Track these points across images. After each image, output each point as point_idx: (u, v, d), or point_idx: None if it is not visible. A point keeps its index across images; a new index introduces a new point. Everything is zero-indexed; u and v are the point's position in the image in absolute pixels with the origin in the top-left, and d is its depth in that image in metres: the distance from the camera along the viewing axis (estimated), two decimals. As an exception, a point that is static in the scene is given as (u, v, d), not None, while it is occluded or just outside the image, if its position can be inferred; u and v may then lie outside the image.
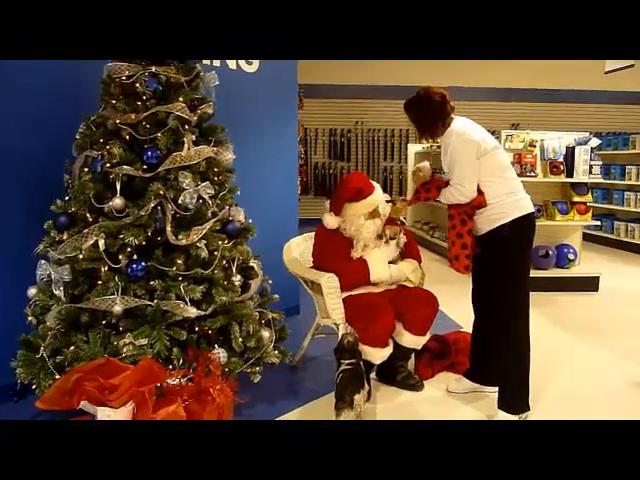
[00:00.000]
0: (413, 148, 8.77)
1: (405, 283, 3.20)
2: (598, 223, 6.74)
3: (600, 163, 5.34)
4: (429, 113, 2.76)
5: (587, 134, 5.42)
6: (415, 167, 3.02)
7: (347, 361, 2.67)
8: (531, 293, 2.73)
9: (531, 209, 2.72)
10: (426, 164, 2.99)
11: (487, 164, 2.67)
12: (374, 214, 3.11)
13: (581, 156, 5.22)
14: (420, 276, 3.24)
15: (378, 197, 3.14)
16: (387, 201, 3.20)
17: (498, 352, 2.74)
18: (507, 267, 2.67)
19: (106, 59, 2.71)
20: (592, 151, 5.28)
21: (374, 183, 3.18)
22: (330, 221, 3.16)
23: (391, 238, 3.17)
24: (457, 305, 3.57)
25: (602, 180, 5.61)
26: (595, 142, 5.32)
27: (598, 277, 5.46)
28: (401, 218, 3.25)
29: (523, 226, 2.68)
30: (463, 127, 2.70)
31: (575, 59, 2.17)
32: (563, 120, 10.44)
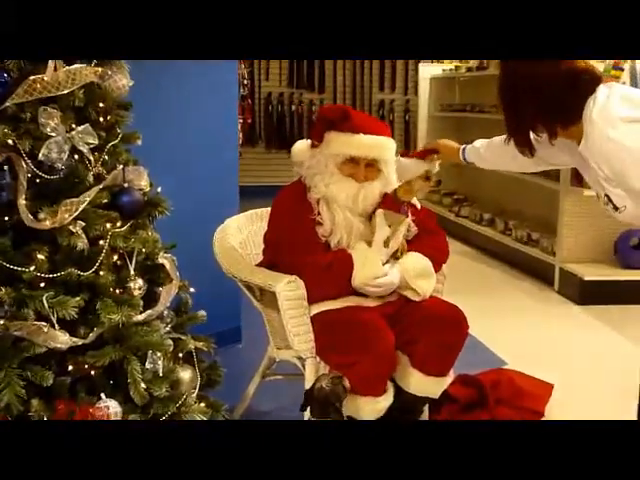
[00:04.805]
0: (427, 70, 8.81)
1: (407, 293, 3.15)
2: None
3: None
4: (551, 95, 2.68)
5: None
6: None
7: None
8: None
9: None
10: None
11: None
12: (357, 171, 3.07)
13: (698, 85, 5.33)
14: (436, 280, 3.25)
15: (386, 144, 3.10)
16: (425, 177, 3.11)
17: None
18: None
19: None
20: None
21: (386, 124, 3.28)
22: (299, 150, 3.25)
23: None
24: (499, 328, 3.57)
25: None
26: None
27: None
28: (414, 200, 3.22)
29: None
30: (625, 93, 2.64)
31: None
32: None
